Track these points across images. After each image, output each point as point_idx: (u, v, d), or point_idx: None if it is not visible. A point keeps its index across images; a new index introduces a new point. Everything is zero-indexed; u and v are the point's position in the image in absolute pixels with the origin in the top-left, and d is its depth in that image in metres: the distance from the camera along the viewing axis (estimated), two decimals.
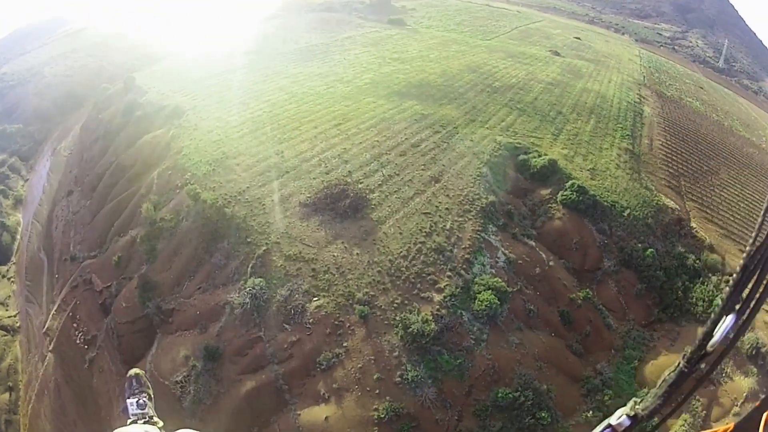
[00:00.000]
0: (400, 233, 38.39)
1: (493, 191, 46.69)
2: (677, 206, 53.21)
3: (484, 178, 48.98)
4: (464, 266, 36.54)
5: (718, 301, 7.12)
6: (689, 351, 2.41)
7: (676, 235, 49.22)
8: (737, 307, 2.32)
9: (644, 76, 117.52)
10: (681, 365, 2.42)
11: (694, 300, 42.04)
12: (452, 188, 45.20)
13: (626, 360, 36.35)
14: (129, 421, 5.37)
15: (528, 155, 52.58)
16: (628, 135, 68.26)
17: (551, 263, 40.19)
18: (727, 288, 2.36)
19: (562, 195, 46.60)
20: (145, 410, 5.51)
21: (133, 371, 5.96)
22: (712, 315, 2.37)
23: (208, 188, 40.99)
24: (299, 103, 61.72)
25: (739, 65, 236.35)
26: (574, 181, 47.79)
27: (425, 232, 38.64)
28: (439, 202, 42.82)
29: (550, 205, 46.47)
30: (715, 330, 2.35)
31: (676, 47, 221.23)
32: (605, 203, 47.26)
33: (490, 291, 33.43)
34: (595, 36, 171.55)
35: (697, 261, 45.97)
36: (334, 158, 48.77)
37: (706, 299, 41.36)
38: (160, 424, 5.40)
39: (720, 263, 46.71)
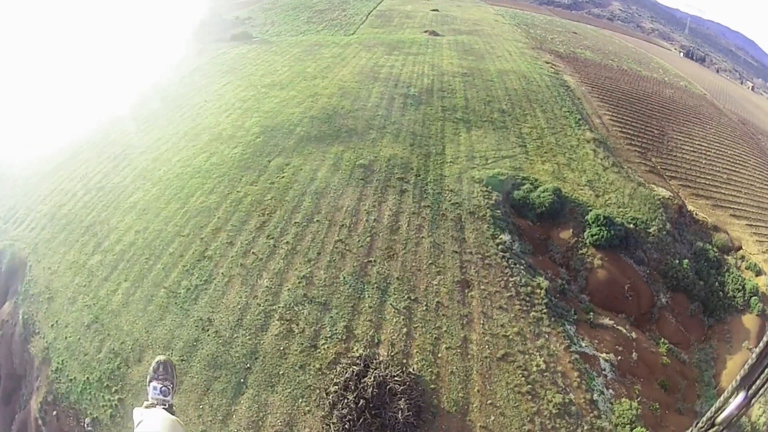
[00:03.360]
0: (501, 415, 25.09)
1: (528, 266, 35.46)
2: (670, 192, 50.39)
3: (506, 247, 36.12)
4: (593, 412, 26.82)
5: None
6: (700, 423, 2.98)
7: (686, 227, 46.75)
8: (748, 386, 2.81)
9: (528, 38, 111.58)
10: None
11: (730, 293, 40.63)
12: (490, 288, 33.07)
13: (708, 386, 33.19)
14: (146, 403, 5.23)
15: (522, 189, 43.54)
16: (580, 119, 60.56)
17: (633, 334, 33.72)
18: (743, 369, 2.93)
19: (591, 235, 39.58)
20: (168, 397, 5.37)
21: (162, 357, 5.64)
22: (726, 392, 2.95)
23: None
24: (178, 202, 39.61)
25: None
26: (595, 211, 41.26)
27: (527, 394, 26.74)
28: (501, 328, 30.28)
29: (581, 252, 39.00)
30: (725, 405, 2.89)
31: None
32: (630, 226, 41.32)
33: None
34: (444, 3, 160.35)
35: (713, 249, 44.74)
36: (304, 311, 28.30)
37: (740, 287, 40.63)
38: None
39: (728, 240, 46.93)
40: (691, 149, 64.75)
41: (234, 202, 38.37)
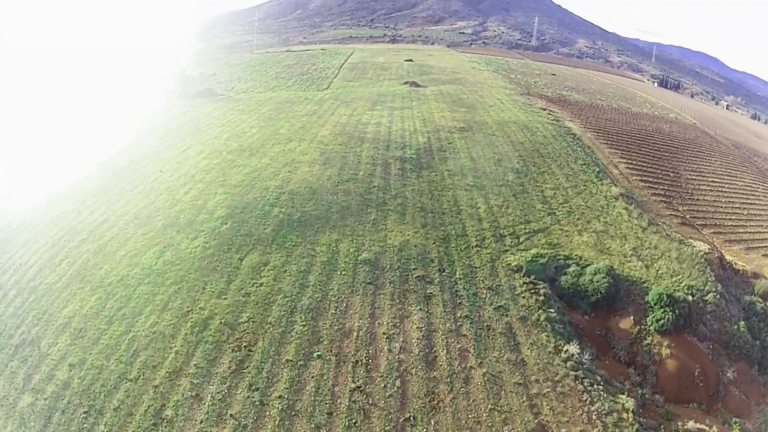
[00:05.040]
0: None
1: (605, 381, 28.17)
2: (707, 245, 46.38)
3: (575, 362, 28.24)
4: None
5: None
6: None
7: (729, 281, 42.23)
8: None
9: (512, 84, 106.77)
10: None
11: None
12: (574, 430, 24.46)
13: None
14: None
15: (569, 273, 36.40)
16: (599, 172, 55.14)
17: (715, 429, 28.05)
18: None
19: (655, 320, 34.12)
20: None
21: None
22: None
23: None
24: (122, 322, 28.49)
25: (549, 36, 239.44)
26: (656, 290, 35.47)
27: None
28: None
29: (646, 342, 33.36)
30: None
31: (485, 41, 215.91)
32: (689, 298, 35.86)
33: None
34: (417, 54, 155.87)
35: (759, 300, 41.57)
36: None
37: None
38: None
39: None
40: (708, 188, 62.88)
41: (196, 327, 27.30)
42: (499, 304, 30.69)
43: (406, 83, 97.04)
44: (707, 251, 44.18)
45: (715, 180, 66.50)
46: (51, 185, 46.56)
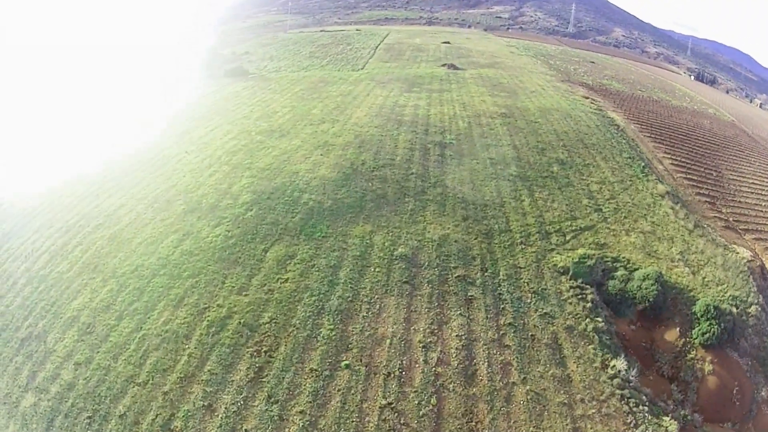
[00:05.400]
0: None
1: (650, 401, 25.26)
2: (749, 252, 42.69)
3: (622, 380, 25.23)
4: None
5: None
6: None
7: None
8: None
9: (552, 71, 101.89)
10: None
11: None
12: None
13: None
14: None
15: (616, 277, 32.82)
16: (644, 167, 50.85)
17: None
18: None
19: (701, 333, 30.73)
20: None
21: None
22: None
23: None
24: (133, 318, 26.12)
25: (586, 24, 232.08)
26: (704, 301, 31.90)
27: None
28: None
29: (689, 357, 29.96)
30: None
31: (521, 26, 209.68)
32: (733, 311, 32.27)
33: None
34: (453, 36, 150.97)
35: None
36: None
37: None
38: None
39: None
40: (749, 191, 58.55)
41: (212, 327, 24.62)
42: (545, 311, 27.45)
43: (443, 65, 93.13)
44: (750, 258, 41.35)
45: (755, 183, 61.78)
46: (70, 167, 44.38)
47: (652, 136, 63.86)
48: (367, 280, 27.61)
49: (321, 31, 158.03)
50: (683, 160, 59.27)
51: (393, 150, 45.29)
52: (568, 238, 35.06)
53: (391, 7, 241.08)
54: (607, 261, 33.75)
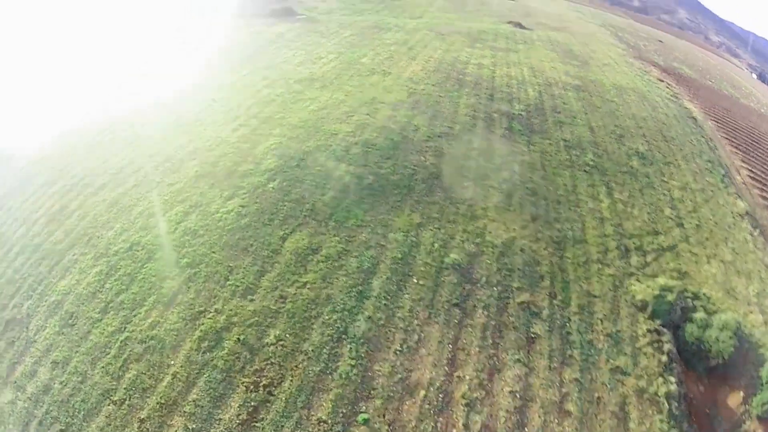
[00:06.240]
0: None
1: None
2: None
3: None
4: None
5: None
6: None
7: None
8: None
9: (622, 44, 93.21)
10: None
11: None
12: None
13: None
14: None
15: (695, 321, 25.78)
16: (724, 176, 43.12)
17: None
18: None
19: (762, 404, 24.22)
20: None
21: None
22: None
23: None
24: (118, 314, 21.24)
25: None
26: None
27: None
28: None
29: (742, 429, 23.48)
30: None
31: None
32: None
33: None
34: None
35: None
36: None
37: None
38: None
39: None
40: None
41: (205, 341, 19.29)
42: (617, 364, 21.27)
43: (509, 23, 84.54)
44: None
45: None
46: (84, 114, 39.19)
47: (729, 138, 54.97)
48: (406, 296, 21.70)
49: None
50: (759, 172, 50.25)
51: (452, 116, 38.70)
52: (649, 259, 28.44)
53: None
54: (688, 297, 27.16)
